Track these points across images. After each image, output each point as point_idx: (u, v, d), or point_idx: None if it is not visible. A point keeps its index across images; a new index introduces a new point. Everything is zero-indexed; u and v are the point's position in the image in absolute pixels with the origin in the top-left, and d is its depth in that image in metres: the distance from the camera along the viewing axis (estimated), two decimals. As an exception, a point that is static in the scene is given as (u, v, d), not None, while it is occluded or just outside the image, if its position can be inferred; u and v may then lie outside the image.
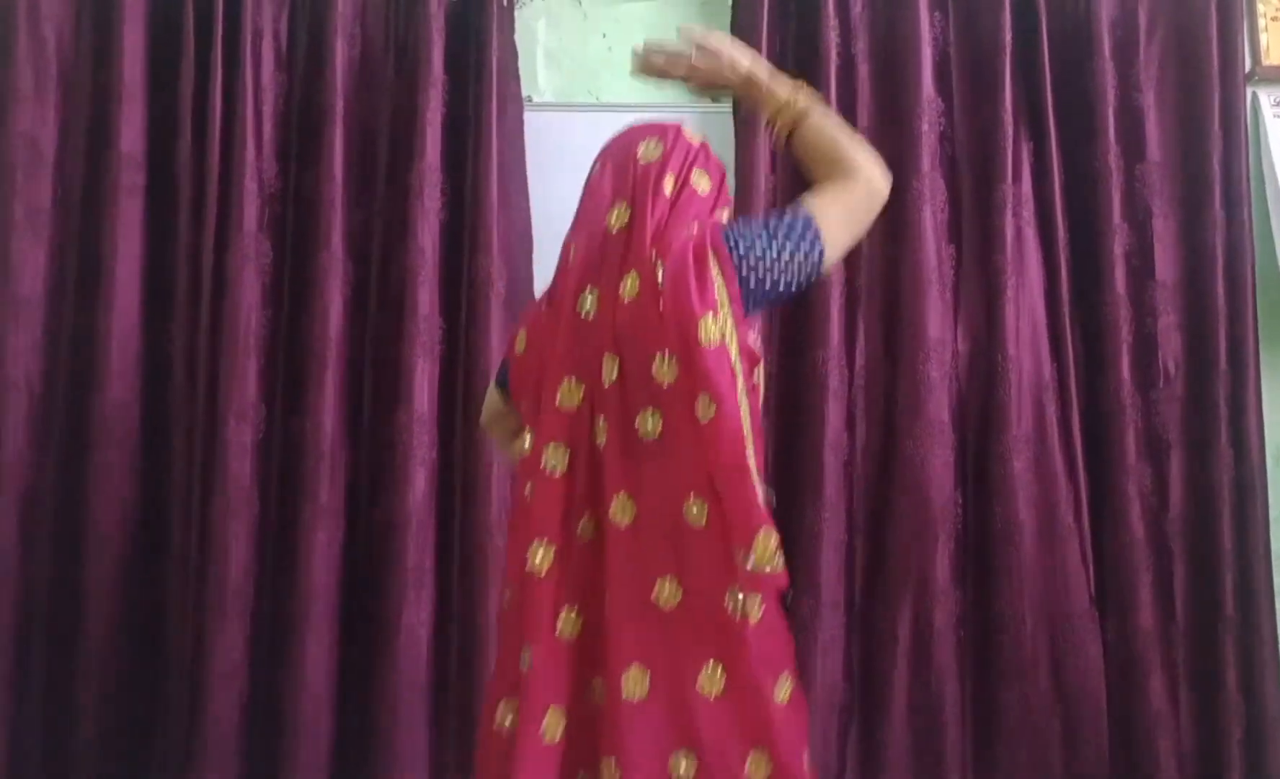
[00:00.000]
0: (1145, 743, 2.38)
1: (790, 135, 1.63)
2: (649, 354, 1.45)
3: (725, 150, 2.51)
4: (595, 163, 1.66)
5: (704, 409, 1.43)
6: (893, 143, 2.49)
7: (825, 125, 1.62)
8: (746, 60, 1.65)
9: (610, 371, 1.48)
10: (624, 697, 1.43)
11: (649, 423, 1.47)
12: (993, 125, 2.47)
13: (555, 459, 1.50)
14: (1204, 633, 2.44)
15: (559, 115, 2.60)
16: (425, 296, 2.41)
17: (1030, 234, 2.49)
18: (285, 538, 2.38)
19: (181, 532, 2.38)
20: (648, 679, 1.44)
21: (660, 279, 1.47)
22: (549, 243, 2.50)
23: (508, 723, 1.49)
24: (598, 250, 1.54)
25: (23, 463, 2.36)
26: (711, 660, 1.44)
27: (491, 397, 1.73)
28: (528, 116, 2.53)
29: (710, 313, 1.45)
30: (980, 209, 2.48)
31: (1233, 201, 2.50)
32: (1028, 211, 2.48)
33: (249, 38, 2.43)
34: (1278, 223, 2.52)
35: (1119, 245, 2.48)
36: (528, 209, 2.50)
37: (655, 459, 1.46)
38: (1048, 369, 2.46)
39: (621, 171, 1.58)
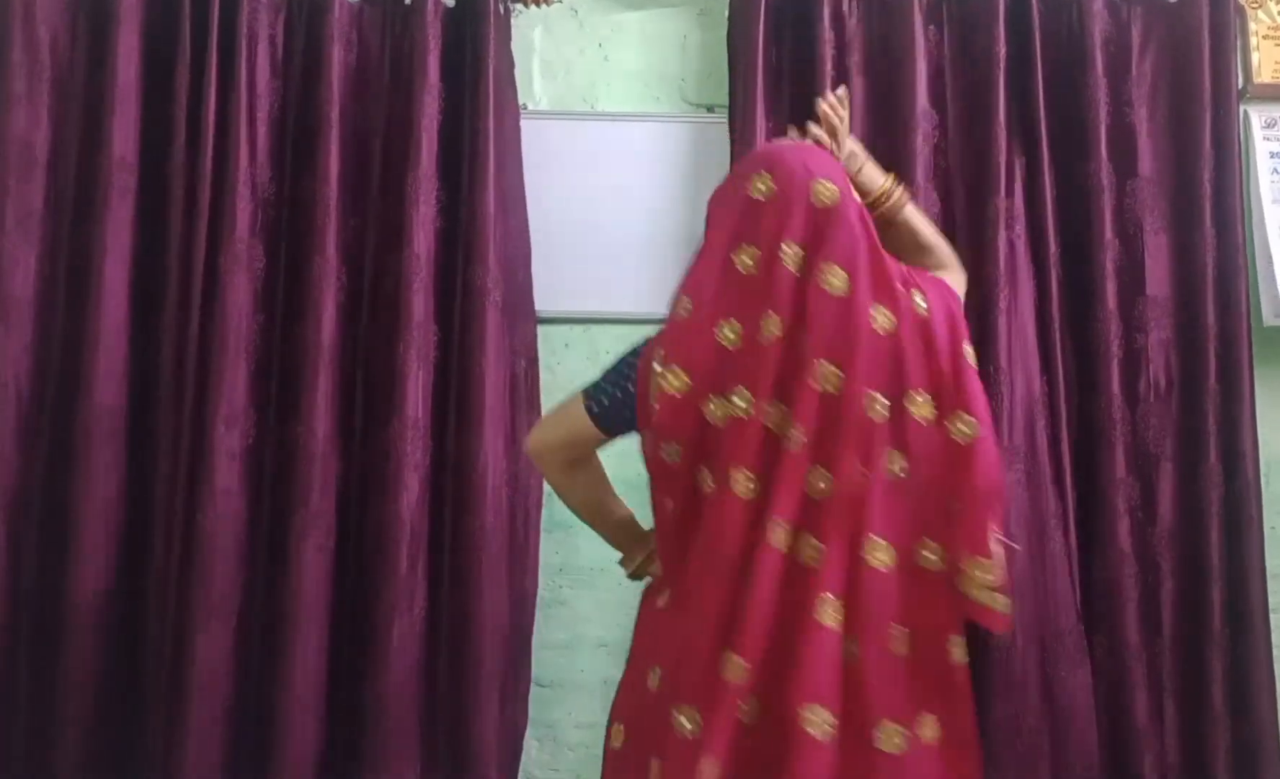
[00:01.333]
0: (1131, 759, 2.39)
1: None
2: (904, 387, 1.45)
3: (720, 158, 2.52)
4: (754, 180, 1.54)
5: (964, 429, 1.44)
6: (886, 155, 2.46)
7: (919, 215, 1.75)
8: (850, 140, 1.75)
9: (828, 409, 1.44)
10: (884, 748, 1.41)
11: (896, 463, 1.45)
12: (986, 139, 2.48)
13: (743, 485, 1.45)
14: (1190, 649, 2.45)
15: (555, 123, 2.60)
16: (420, 304, 2.40)
17: (1022, 248, 2.49)
18: (275, 544, 2.37)
19: (167, 536, 2.36)
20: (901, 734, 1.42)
21: (925, 306, 1.48)
22: (545, 249, 2.51)
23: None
24: (767, 280, 1.48)
25: (9, 466, 2.34)
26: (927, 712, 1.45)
27: (579, 427, 1.65)
28: (524, 125, 2.53)
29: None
30: (973, 222, 2.49)
31: (1224, 219, 2.51)
32: (1020, 226, 2.49)
33: (244, 43, 2.42)
34: (1275, 238, 2.55)
35: (1110, 260, 2.49)
36: (525, 217, 2.50)
37: (898, 496, 1.45)
38: (1038, 383, 2.46)
39: (794, 205, 1.50)
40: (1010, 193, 2.49)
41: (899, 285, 1.49)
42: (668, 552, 1.60)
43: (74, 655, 2.31)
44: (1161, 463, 2.49)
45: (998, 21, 2.50)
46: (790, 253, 1.47)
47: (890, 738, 1.41)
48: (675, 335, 1.53)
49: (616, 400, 1.61)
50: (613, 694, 2.48)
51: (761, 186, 1.52)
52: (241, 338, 2.39)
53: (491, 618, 2.36)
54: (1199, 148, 2.52)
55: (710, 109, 2.64)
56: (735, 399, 1.46)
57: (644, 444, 1.58)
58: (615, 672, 2.51)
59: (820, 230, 1.48)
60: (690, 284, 1.55)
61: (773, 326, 1.45)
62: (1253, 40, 2.65)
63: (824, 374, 1.44)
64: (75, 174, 2.42)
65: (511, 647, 2.40)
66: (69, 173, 2.42)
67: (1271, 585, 2.48)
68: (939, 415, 1.46)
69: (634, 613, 2.51)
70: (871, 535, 1.43)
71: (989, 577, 1.41)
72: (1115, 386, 2.46)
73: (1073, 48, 2.54)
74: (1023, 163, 2.52)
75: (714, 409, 1.48)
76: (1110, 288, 2.48)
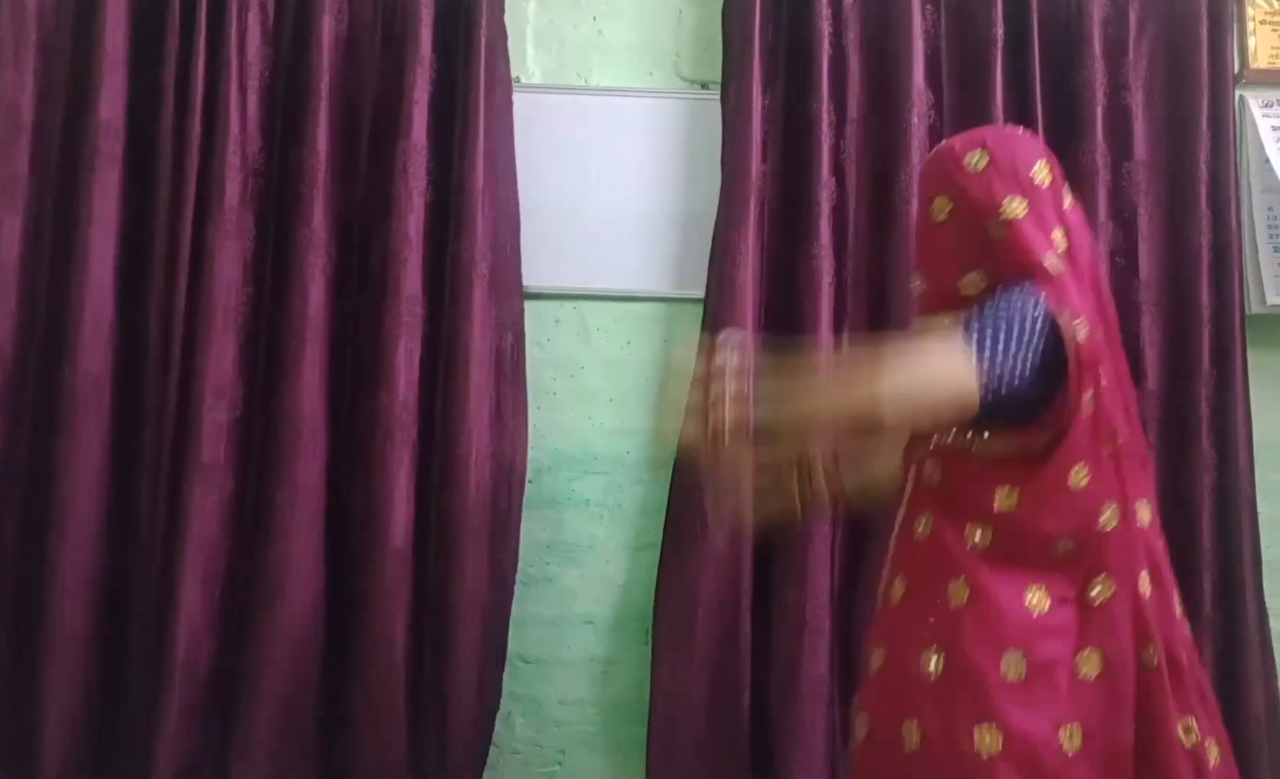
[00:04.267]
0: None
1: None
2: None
3: (713, 137, 2.51)
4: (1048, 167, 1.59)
5: None
6: (882, 134, 2.50)
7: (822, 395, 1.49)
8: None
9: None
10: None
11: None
12: (982, 119, 2.45)
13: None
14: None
15: (547, 97, 2.58)
16: (409, 277, 2.38)
17: (1018, 230, 2.48)
18: (261, 517, 2.35)
19: (151, 506, 2.34)
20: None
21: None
22: (536, 225, 2.49)
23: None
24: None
25: (-7, 431, 2.32)
26: None
27: (965, 390, 1.40)
28: (516, 98, 2.50)
29: None
30: (968, 203, 2.48)
31: (1219, 203, 2.50)
32: (1016, 207, 2.48)
33: (235, 10, 2.39)
34: (1261, 225, 2.54)
35: (1105, 243, 2.49)
36: (515, 191, 2.48)
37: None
38: (1033, 365, 2.45)
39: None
40: (1007, 174, 2.47)
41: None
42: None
43: (57, 625, 2.28)
44: (1153, 448, 2.47)
45: (995, 1, 2.48)
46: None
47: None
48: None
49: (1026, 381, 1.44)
50: (598, 671, 2.50)
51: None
52: (230, 309, 2.37)
53: (471, 594, 2.35)
54: (1195, 131, 2.51)
55: (704, 86, 2.62)
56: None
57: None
58: (600, 648, 2.53)
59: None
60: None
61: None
62: (1249, 25, 2.64)
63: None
64: (61, 139, 2.39)
65: (489, 624, 2.39)
66: (54, 138, 2.39)
67: (1268, 571, 2.48)
68: None
69: (619, 589, 2.52)
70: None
71: None
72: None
73: (1070, 28, 2.53)
74: (1019, 144, 2.50)
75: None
76: (1106, 271, 2.47)
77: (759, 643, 2.39)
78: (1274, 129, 2.59)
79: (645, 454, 2.54)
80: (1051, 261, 1.49)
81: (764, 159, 2.47)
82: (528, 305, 2.49)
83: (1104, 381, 1.47)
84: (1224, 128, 2.53)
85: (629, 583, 2.52)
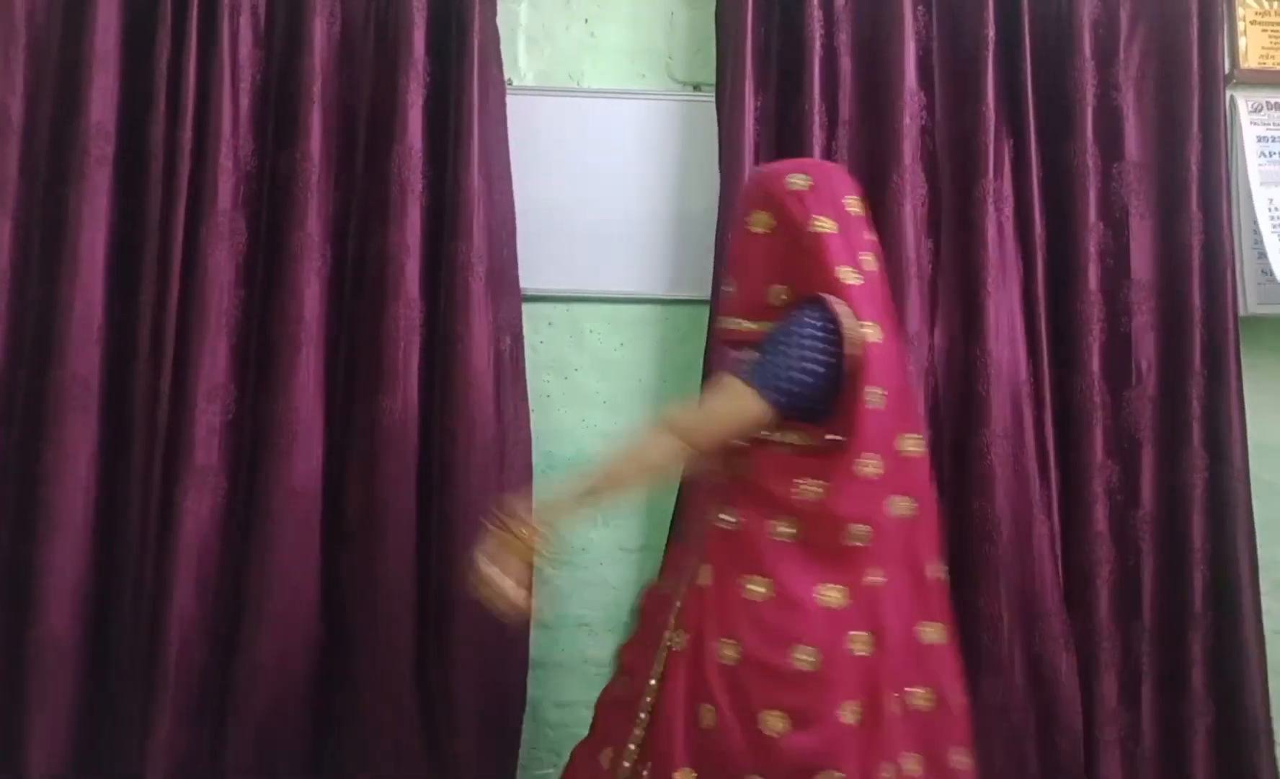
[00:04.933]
0: (1110, 739, 2.40)
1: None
2: None
3: (707, 137, 2.51)
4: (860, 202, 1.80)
5: None
6: (874, 135, 2.50)
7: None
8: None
9: None
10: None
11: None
12: (974, 121, 2.47)
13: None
14: (1171, 631, 2.46)
15: (540, 100, 2.57)
16: (407, 281, 2.37)
17: (1009, 230, 2.49)
18: (253, 521, 2.34)
19: (142, 508, 2.33)
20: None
21: None
22: (528, 227, 2.49)
23: None
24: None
25: (-18, 434, 2.31)
26: None
27: (748, 406, 1.68)
28: (509, 100, 2.49)
29: None
30: (960, 204, 2.49)
31: (1210, 203, 2.51)
32: (1008, 208, 2.49)
33: (226, 12, 2.38)
34: (1259, 226, 2.55)
35: (1094, 244, 2.50)
36: (510, 192, 2.47)
37: None
38: (1024, 366, 2.46)
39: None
40: (999, 174, 2.48)
41: None
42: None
43: (45, 627, 2.27)
44: (1144, 447, 2.49)
45: (986, 2, 2.49)
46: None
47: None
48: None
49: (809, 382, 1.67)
50: (592, 673, 2.50)
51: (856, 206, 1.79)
52: (223, 312, 2.36)
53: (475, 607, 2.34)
54: (1186, 132, 2.52)
55: (697, 87, 2.62)
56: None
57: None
58: (595, 651, 2.53)
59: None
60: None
61: None
62: (1240, 25, 2.66)
63: None
64: (51, 142, 2.38)
65: (503, 628, 2.37)
66: (45, 140, 2.38)
67: (1265, 571, 2.49)
68: None
69: (613, 592, 2.52)
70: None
71: None
72: (1096, 369, 2.46)
73: (1061, 29, 2.54)
74: (1010, 145, 2.51)
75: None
76: (1094, 271, 2.49)
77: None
78: (1259, 139, 2.60)
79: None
80: (849, 274, 1.70)
81: (757, 161, 2.47)
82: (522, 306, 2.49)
83: (895, 384, 1.70)
84: (1215, 128, 2.53)
85: (623, 585, 2.52)
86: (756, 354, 1.69)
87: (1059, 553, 2.43)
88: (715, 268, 2.45)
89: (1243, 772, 2.42)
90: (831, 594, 1.63)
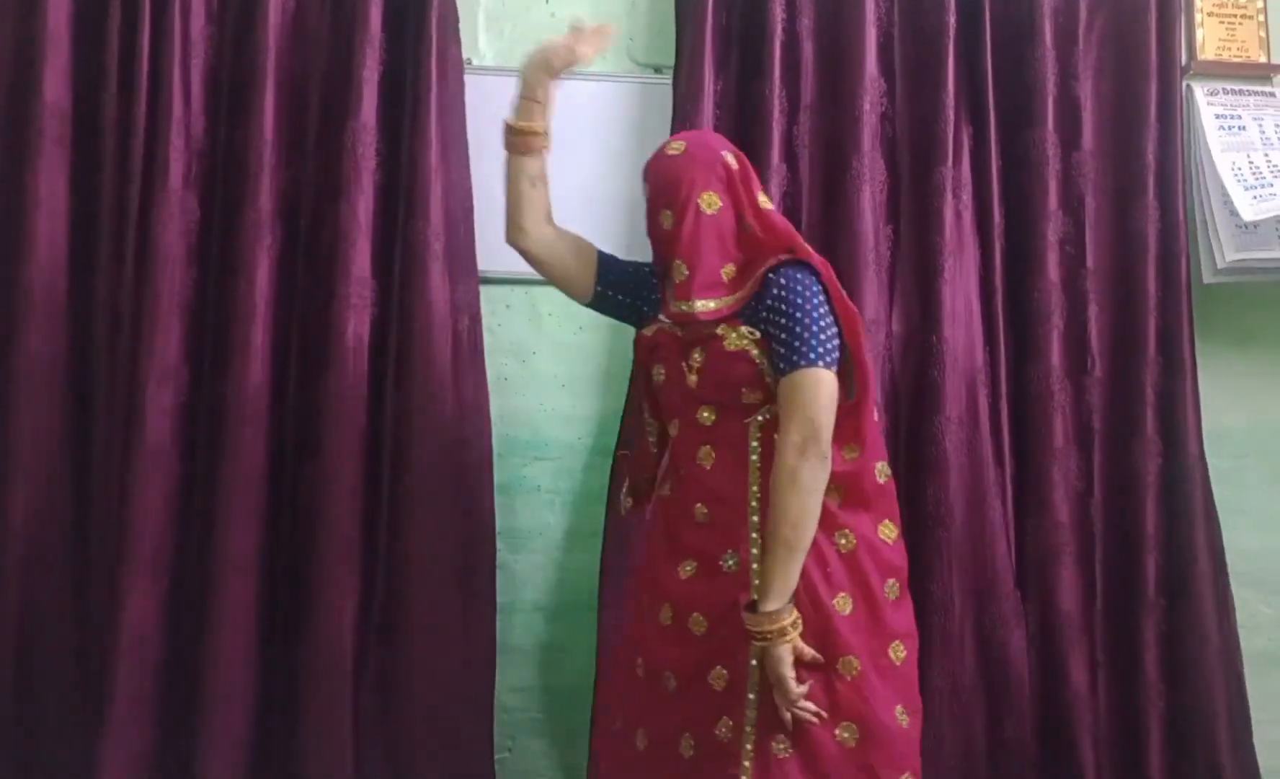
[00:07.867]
0: (1064, 724, 2.42)
1: None
2: None
3: (666, 122, 2.50)
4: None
5: None
6: (834, 121, 2.50)
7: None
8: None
9: None
10: None
11: None
12: (934, 108, 2.48)
13: None
14: (1124, 617, 2.49)
15: (499, 79, 2.53)
16: (358, 259, 2.35)
17: (968, 217, 2.50)
18: (207, 502, 2.31)
19: (102, 491, 2.31)
20: None
21: None
22: (486, 208, 2.46)
23: None
24: None
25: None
26: None
27: (831, 386, 1.75)
28: (467, 80, 2.47)
29: None
30: (919, 190, 2.50)
31: (1167, 193, 2.54)
32: (966, 195, 2.50)
33: (178, -13, 2.35)
34: (1210, 216, 2.56)
35: (1053, 232, 2.51)
36: (468, 172, 2.45)
37: None
38: (980, 353, 2.47)
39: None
40: (958, 162, 2.49)
41: None
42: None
43: (3, 613, 2.25)
44: (1099, 434, 2.51)
45: (948, -10, 2.49)
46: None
47: None
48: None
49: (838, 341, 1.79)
50: (546, 659, 2.49)
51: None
52: (175, 292, 2.33)
53: (433, 588, 2.33)
54: (1144, 121, 2.55)
55: (657, 70, 2.60)
56: None
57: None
58: (551, 636, 2.52)
59: None
60: None
61: None
62: (1197, 16, 2.68)
63: None
64: (5, 122, 2.34)
65: (468, 615, 2.37)
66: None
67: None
68: None
69: (570, 577, 2.51)
70: None
71: None
72: (1055, 358, 2.48)
73: (1021, 18, 2.55)
74: (970, 132, 2.52)
75: None
76: (1053, 259, 2.50)
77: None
78: (1218, 117, 2.62)
79: (596, 440, 2.53)
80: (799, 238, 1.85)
81: (717, 144, 2.46)
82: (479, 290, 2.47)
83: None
84: (1172, 118, 2.56)
85: (579, 569, 2.51)
86: (781, 340, 1.75)
87: (1012, 537, 2.44)
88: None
89: (1198, 757, 2.45)
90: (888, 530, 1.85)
